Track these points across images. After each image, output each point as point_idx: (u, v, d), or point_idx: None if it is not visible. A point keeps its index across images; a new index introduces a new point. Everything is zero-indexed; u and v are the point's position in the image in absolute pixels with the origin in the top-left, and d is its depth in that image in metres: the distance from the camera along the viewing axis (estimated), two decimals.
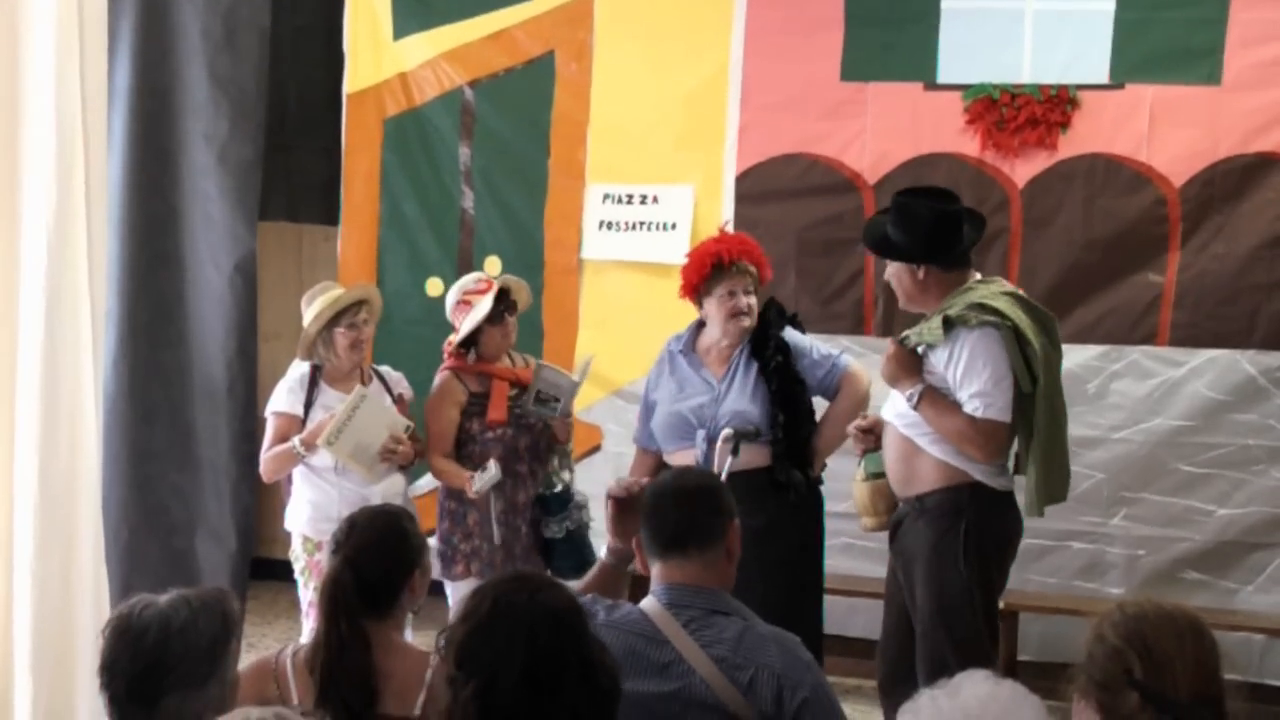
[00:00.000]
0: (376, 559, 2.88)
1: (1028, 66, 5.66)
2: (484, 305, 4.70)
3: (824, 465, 4.52)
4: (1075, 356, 5.31)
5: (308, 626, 4.67)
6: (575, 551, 4.66)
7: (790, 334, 4.46)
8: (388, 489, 4.68)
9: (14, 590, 4.73)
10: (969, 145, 5.72)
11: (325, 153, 6.63)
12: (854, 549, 5.52)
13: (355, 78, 6.49)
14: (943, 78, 5.76)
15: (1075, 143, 5.62)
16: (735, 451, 4.09)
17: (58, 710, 4.54)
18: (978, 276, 4.10)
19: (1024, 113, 5.63)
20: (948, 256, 4.02)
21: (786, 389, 4.36)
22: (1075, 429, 4.35)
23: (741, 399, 4.32)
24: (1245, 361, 5.44)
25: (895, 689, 3.88)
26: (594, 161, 6.27)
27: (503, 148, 6.41)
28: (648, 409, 4.59)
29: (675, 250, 5.67)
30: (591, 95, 6.26)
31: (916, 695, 1.93)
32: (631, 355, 5.69)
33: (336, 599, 2.82)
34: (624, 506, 2.97)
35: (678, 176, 6.11)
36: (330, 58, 6.56)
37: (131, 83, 5.52)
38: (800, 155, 5.95)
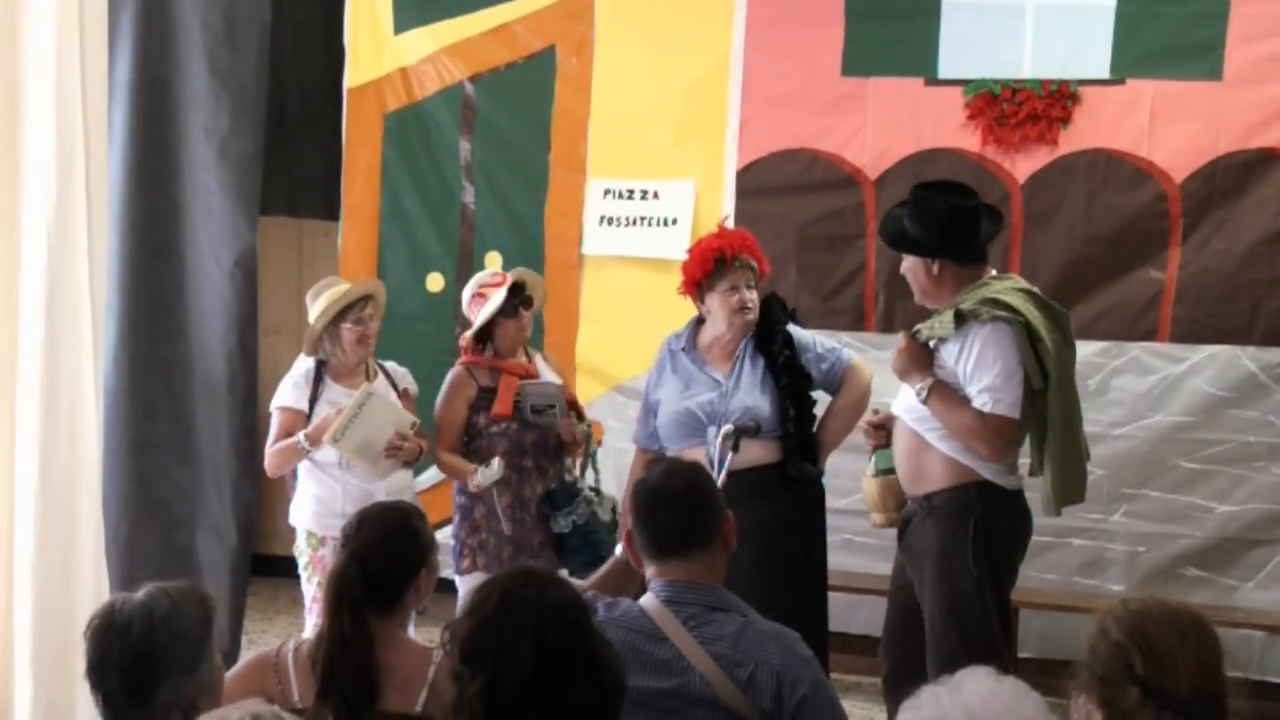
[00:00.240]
0: (384, 556, 2.87)
1: (1029, 61, 5.66)
2: (497, 298, 4.73)
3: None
4: (1076, 352, 5.31)
5: (310, 621, 4.68)
6: (587, 548, 4.66)
7: (792, 329, 4.46)
8: (393, 484, 4.68)
9: (14, 585, 4.74)
10: (970, 140, 5.71)
11: (326, 147, 6.63)
12: (854, 545, 5.53)
13: (356, 72, 6.49)
14: (944, 73, 5.76)
15: (1076, 138, 5.61)
16: (735, 448, 4.09)
17: (58, 705, 4.54)
18: (993, 273, 4.09)
19: (1025, 108, 5.63)
20: (963, 251, 4.00)
21: (795, 383, 4.36)
22: None
23: (751, 394, 4.31)
24: (1246, 358, 5.44)
25: (899, 686, 3.87)
26: (595, 156, 6.26)
27: (503, 142, 6.40)
28: (649, 409, 4.56)
29: (676, 245, 5.67)
30: (592, 90, 6.25)
31: (918, 692, 1.93)
32: (632, 351, 5.69)
33: (341, 594, 2.82)
34: None
35: (678, 171, 6.11)
36: (331, 52, 6.56)
37: (131, 76, 5.49)
38: (801, 150, 5.94)
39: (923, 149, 5.76)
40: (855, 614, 5.46)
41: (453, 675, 2.10)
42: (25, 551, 4.71)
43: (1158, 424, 5.53)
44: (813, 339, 4.49)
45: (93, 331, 4.89)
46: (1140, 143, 5.54)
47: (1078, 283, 5.52)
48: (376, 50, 6.47)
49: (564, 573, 4.03)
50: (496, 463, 4.60)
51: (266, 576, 6.77)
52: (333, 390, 4.71)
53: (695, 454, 4.22)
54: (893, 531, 4.23)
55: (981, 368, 3.87)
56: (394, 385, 4.84)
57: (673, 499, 2.79)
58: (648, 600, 2.74)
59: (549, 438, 4.77)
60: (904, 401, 4.09)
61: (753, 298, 4.39)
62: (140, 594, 2.47)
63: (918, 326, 4.05)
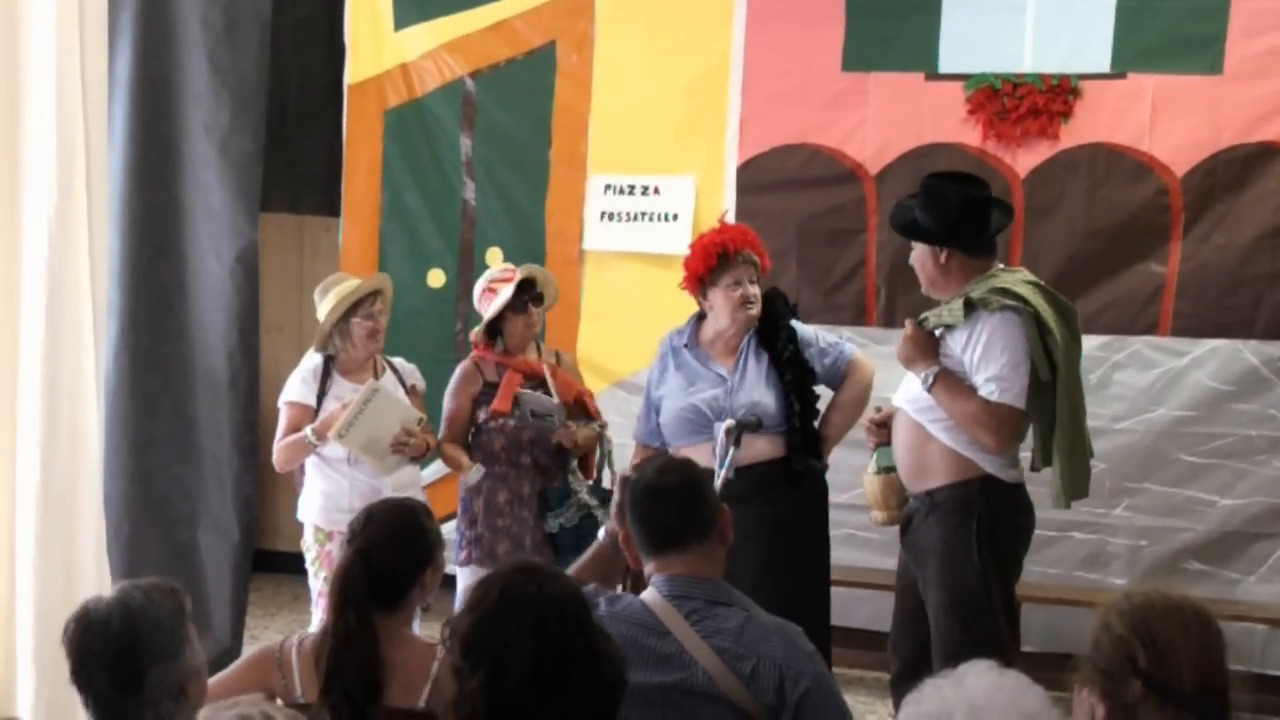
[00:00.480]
0: (389, 553, 2.87)
1: (1029, 56, 5.65)
2: (505, 294, 4.74)
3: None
4: (1082, 347, 5.31)
5: (317, 616, 4.69)
6: (579, 549, 4.64)
7: (795, 324, 4.46)
8: (400, 480, 4.69)
9: (16, 582, 4.75)
10: (970, 135, 5.71)
11: (326, 144, 6.63)
12: (856, 540, 5.52)
13: (356, 68, 6.48)
14: (944, 67, 5.75)
15: (1077, 132, 5.61)
16: (737, 443, 4.08)
17: (60, 701, 4.55)
18: (1001, 266, 4.09)
19: (1025, 103, 5.62)
20: (972, 242, 4.00)
21: (799, 378, 4.36)
22: None
23: (757, 389, 4.31)
24: (1247, 351, 5.44)
25: (909, 683, 3.87)
26: (595, 152, 6.26)
27: (504, 138, 6.40)
28: (651, 406, 4.56)
29: (677, 241, 5.68)
30: (593, 86, 6.25)
31: (921, 685, 1.93)
32: (633, 346, 5.69)
33: (346, 591, 2.82)
34: None
35: (679, 167, 6.10)
36: (331, 48, 6.56)
37: (132, 73, 5.50)
38: (802, 145, 5.94)
39: (923, 144, 5.76)
40: (857, 609, 5.46)
41: (453, 671, 2.10)
42: (27, 549, 4.72)
43: (1159, 418, 5.53)
44: (815, 334, 4.49)
45: (94, 329, 4.89)
46: (1141, 137, 5.54)
47: (1079, 277, 5.51)
48: (377, 46, 6.46)
49: None
50: (475, 470, 4.68)
51: (268, 573, 6.77)
52: (341, 386, 4.71)
53: (700, 450, 4.20)
54: (894, 526, 4.23)
55: (989, 357, 3.86)
56: (401, 381, 4.85)
57: (668, 495, 2.78)
58: (650, 595, 2.74)
59: (548, 436, 4.77)
60: (906, 393, 4.08)
61: (755, 293, 4.39)
62: (109, 594, 2.49)
63: (924, 314, 4.04)
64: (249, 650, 2.74)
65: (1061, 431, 3.92)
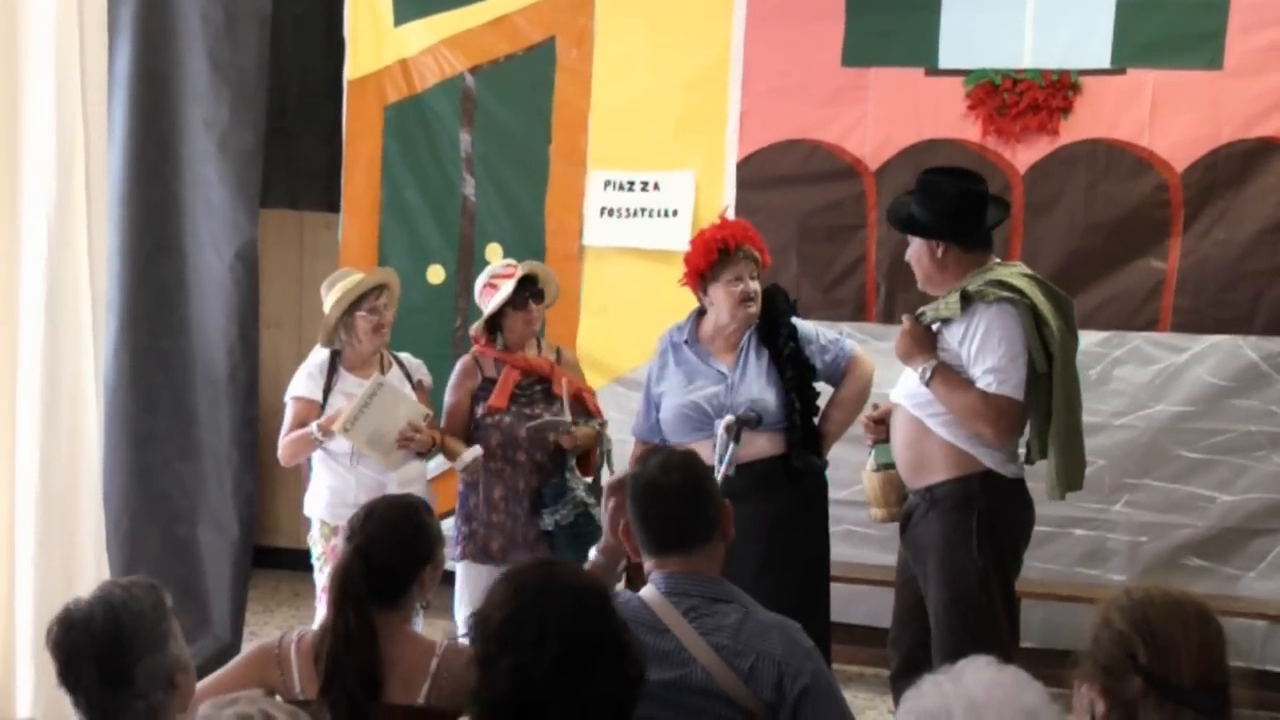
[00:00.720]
0: (388, 550, 2.87)
1: (1029, 51, 5.65)
2: (505, 290, 4.73)
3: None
4: (1079, 340, 5.31)
5: (320, 611, 4.69)
6: (574, 547, 4.64)
7: (795, 320, 4.45)
8: (405, 475, 4.69)
9: (16, 579, 4.75)
10: (970, 131, 5.70)
11: (326, 140, 6.62)
12: (855, 536, 5.52)
13: (356, 64, 6.47)
14: (944, 63, 5.74)
15: (1077, 128, 5.60)
16: (737, 439, 4.08)
17: (59, 698, 4.54)
18: (997, 260, 4.09)
19: (1025, 98, 5.62)
20: (969, 236, 4.00)
21: (800, 375, 4.35)
22: None
23: (757, 386, 4.30)
24: (1247, 347, 5.43)
25: (909, 679, 3.87)
26: (595, 148, 6.25)
27: (504, 134, 6.39)
28: (651, 403, 4.54)
29: (677, 237, 5.67)
30: (593, 81, 6.24)
31: (920, 682, 1.93)
32: (633, 342, 5.68)
33: (346, 588, 2.82)
34: (623, 499, 2.86)
35: (679, 163, 6.10)
36: (331, 44, 6.55)
37: (131, 69, 5.50)
38: (801, 141, 5.93)
39: (923, 139, 5.75)
40: (856, 605, 5.46)
41: (476, 659, 2.09)
42: (27, 545, 4.72)
43: (1159, 414, 5.52)
44: (815, 330, 4.49)
45: (93, 326, 4.89)
46: (1141, 132, 5.53)
47: (1079, 273, 5.50)
48: (376, 42, 6.46)
49: None
50: (471, 451, 4.64)
51: (268, 569, 6.76)
52: (347, 381, 4.71)
53: (701, 448, 4.19)
54: (894, 523, 4.23)
55: (986, 349, 3.86)
56: (408, 377, 4.85)
57: (670, 494, 2.76)
58: (648, 592, 2.74)
59: (546, 436, 4.77)
60: (904, 389, 4.08)
61: (756, 288, 4.38)
62: (88, 594, 2.50)
63: (922, 309, 4.05)
64: (248, 647, 2.75)
65: (1057, 423, 3.92)
